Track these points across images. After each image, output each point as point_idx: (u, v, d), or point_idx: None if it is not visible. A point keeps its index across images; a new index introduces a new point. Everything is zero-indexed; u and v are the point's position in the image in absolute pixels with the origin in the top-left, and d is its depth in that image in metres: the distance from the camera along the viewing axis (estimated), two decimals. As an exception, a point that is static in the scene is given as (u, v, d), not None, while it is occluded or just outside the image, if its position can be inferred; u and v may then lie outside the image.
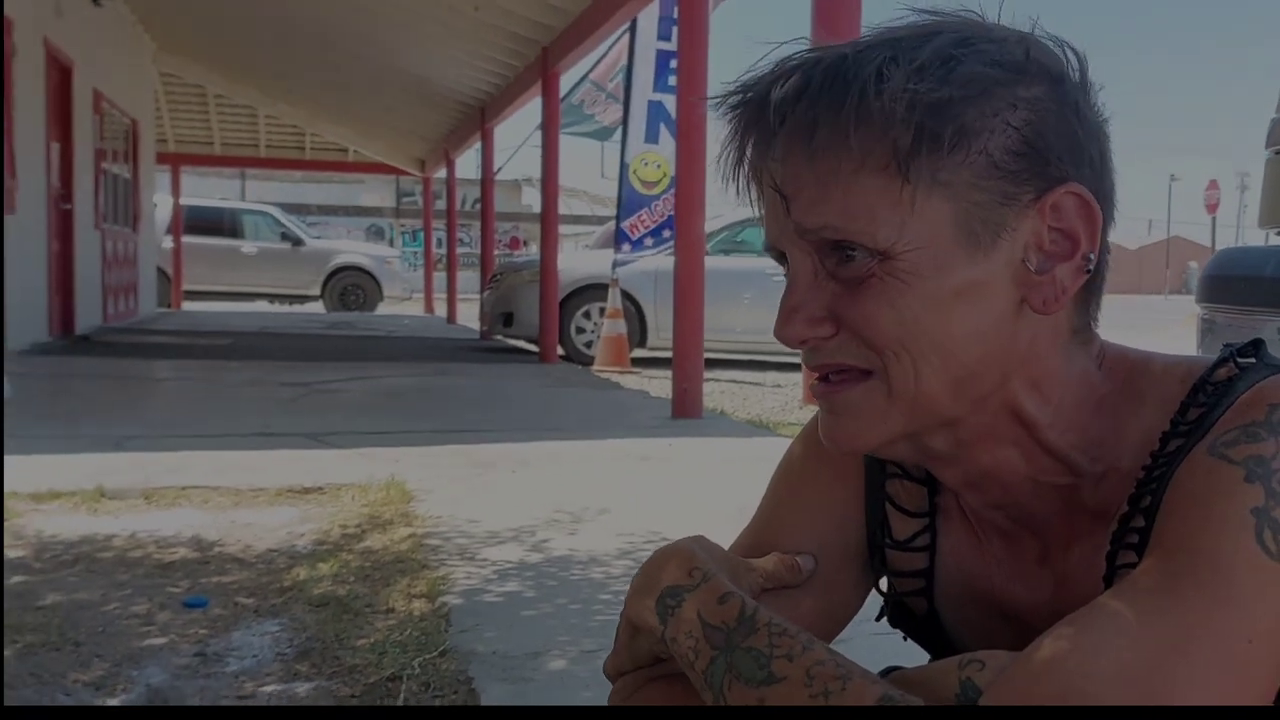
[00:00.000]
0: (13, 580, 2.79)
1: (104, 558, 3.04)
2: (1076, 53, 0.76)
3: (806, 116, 0.72)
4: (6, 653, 2.30)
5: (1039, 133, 0.73)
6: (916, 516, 0.88)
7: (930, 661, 0.82)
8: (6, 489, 3.60)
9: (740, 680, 0.72)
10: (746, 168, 0.77)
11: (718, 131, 0.78)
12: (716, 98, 0.77)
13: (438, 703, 2.12)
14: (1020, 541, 0.83)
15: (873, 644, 1.04)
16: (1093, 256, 0.75)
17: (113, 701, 2.12)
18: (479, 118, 12.86)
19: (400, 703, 2.11)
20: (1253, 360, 0.77)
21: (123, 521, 3.45)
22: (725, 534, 0.96)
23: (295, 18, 11.06)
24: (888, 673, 0.74)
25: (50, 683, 2.19)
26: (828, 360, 0.76)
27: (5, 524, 3.28)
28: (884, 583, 0.92)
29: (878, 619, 0.94)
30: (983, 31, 0.75)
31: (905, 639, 0.94)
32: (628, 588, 0.84)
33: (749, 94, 0.75)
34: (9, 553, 3.03)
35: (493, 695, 2.12)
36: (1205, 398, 0.76)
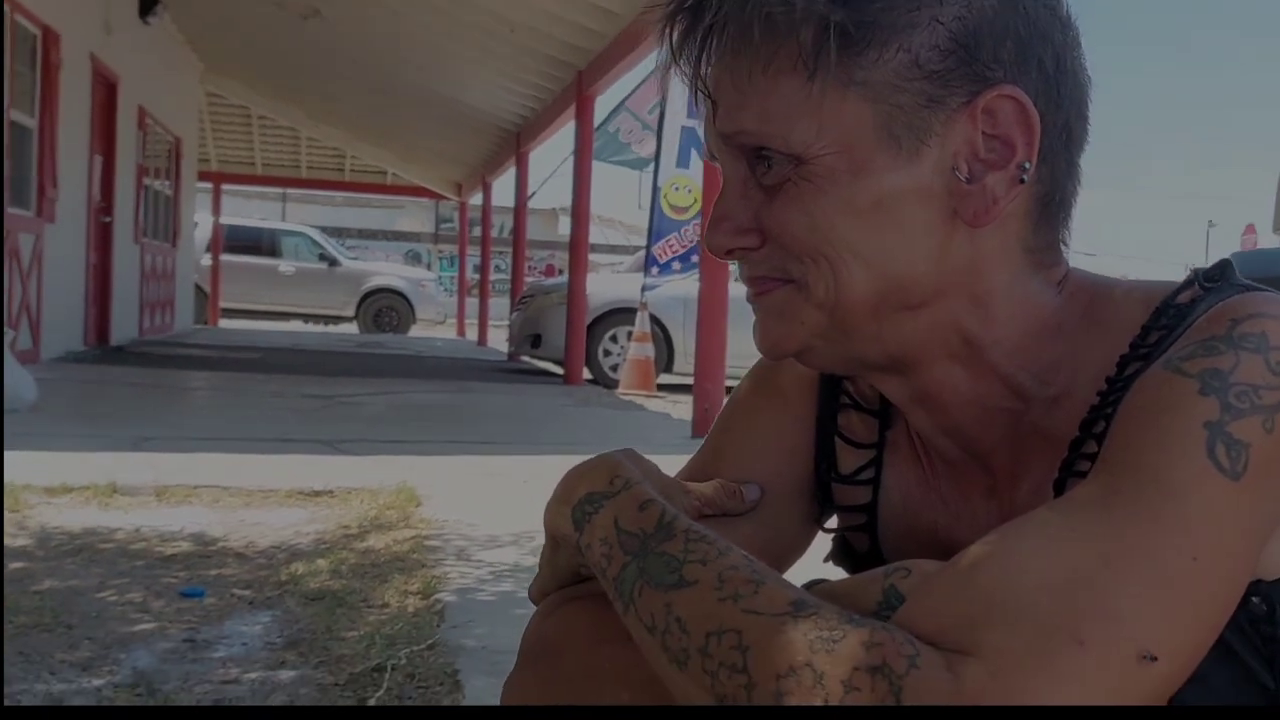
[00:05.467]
0: (12, 566, 2.81)
1: (105, 549, 3.06)
2: None
3: (721, 19, 0.70)
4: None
5: (971, 30, 0.69)
6: (863, 448, 0.85)
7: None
8: (22, 481, 3.63)
9: (650, 585, 0.68)
10: (689, 78, 0.75)
11: None
12: (659, 3, 0.75)
13: (421, 692, 2.10)
14: (968, 475, 0.80)
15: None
16: (1028, 165, 0.70)
17: (97, 682, 2.12)
18: (514, 142, 12.96)
19: (383, 691, 2.09)
20: (1218, 283, 0.73)
21: (130, 516, 3.46)
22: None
23: (339, 41, 11.22)
24: (812, 586, 0.71)
25: (38, 662, 2.19)
26: (756, 273, 0.74)
27: (11, 515, 3.31)
28: (833, 522, 0.89)
29: (826, 560, 0.91)
30: None
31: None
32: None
33: (685, 3, 0.73)
34: (12, 541, 3.04)
35: (475, 686, 2.10)
36: (1167, 320, 0.72)
